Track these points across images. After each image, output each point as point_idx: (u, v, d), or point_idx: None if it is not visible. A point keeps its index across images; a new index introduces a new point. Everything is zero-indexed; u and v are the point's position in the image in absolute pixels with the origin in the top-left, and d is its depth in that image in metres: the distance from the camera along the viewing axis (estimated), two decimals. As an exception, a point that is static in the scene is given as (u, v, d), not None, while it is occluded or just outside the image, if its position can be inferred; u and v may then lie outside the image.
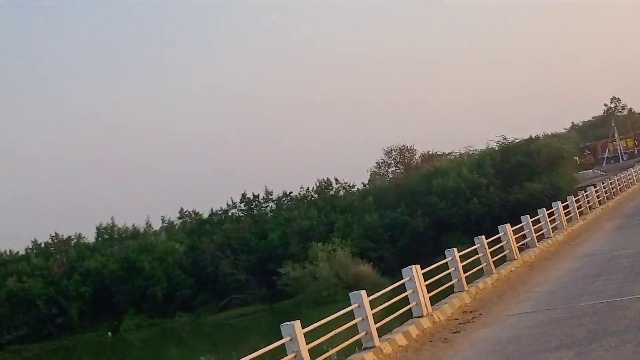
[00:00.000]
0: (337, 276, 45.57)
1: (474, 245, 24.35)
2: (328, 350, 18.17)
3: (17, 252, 65.40)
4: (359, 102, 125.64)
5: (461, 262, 21.59)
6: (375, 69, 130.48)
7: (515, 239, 27.05)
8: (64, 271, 59.72)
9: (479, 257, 23.88)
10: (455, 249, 21.89)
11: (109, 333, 54.79)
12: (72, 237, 66.35)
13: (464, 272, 21.60)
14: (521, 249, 27.66)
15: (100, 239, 66.39)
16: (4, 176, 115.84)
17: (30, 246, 66.06)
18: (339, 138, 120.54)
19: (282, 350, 13.79)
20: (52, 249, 65.12)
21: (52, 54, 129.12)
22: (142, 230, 66.96)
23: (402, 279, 18.68)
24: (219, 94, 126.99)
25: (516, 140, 59.07)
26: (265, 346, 14.63)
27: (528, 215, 29.60)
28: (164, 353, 44.62)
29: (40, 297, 56.35)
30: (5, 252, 65.34)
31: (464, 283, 21.16)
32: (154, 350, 46.84)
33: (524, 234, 28.93)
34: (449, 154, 70.88)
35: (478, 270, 23.80)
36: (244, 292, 51.64)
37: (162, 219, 68.26)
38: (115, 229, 66.89)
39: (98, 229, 66.69)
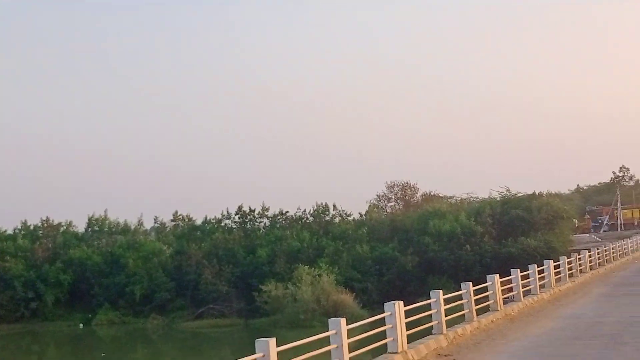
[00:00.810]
0: (318, 301, 45.25)
1: (460, 290, 24.15)
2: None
3: (5, 231, 65.06)
4: (371, 132, 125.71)
5: (444, 305, 21.39)
6: (391, 103, 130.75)
7: (502, 290, 26.83)
8: (47, 256, 59.37)
9: (462, 303, 23.67)
10: (440, 292, 21.68)
11: (81, 325, 54.34)
12: (62, 223, 66.04)
13: (445, 316, 21.40)
14: (506, 301, 27.41)
15: (89, 229, 66.07)
16: (3, 154, 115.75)
17: (19, 227, 65.79)
18: (345, 165, 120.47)
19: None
20: (40, 232, 64.73)
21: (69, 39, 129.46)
22: (132, 227, 66.69)
23: (383, 313, 18.49)
24: (233, 100, 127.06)
25: (519, 194, 59.06)
26: (235, 359, 14.41)
27: (518, 269, 29.39)
28: (131, 353, 44.16)
29: (19, 278, 55.97)
30: (-8, 229, 65.06)
31: (444, 326, 20.93)
32: (122, 349, 46.39)
33: (511, 287, 28.70)
34: (451, 197, 70.91)
35: (459, 316, 23.57)
36: (222, 303, 51.28)
37: (154, 219, 68.08)
38: (107, 222, 66.59)
39: (89, 219, 66.46)
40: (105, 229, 65.95)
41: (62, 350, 47.76)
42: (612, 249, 46.65)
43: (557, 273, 34.29)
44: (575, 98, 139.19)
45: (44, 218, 65.72)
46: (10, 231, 65.18)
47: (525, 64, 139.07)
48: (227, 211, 63.34)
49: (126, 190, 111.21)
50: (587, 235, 72.42)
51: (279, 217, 62.63)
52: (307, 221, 61.67)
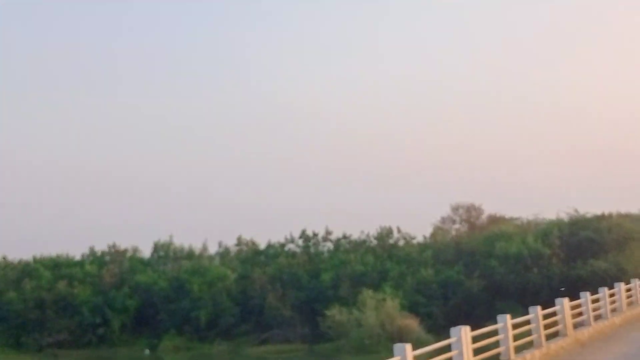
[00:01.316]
0: (382, 326, 44.80)
1: (528, 314, 23.60)
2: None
3: (73, 258, 66.25)
4: (433, 152, 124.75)
5: (512, 330, 20.89)
6: (452, 120, 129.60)
7: (571, 314, 26.15)
8: (114, 282, 60.12)
9: (530, 328, 23.10)
10: (508, 316, 21.21)
11: (147, 350, 54.73)
12: (129, 249, 66.97)
13: (513, 341, 20.89)
14: (575, 325, 26.69)
15: (155, 255, 66.81)
16: (72, 182, 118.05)
17: (87, 252, 66.92)
18: (408, 187, 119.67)
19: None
20: (107, 258, 65.66)
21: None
22: (197, 252, 67.25)
23: (449, 338, 18.11)
24: (294, 124, 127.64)
25: (587, 215, 57.92)
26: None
27: (588, 293, 28.65)
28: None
29: (86, 304, 56.74)
30: (62, 255, 66.26)
31: (512, 352, 20.43)
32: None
33: (581, 311, 27.96)
34: (517, 218, 69.81)
35: (528, 341, 23.00)
36: (287, 328, 51.17)
37: (219, 244, 68.51)
38: (172, 247, 67.26)
39: (155, 244, 67.22)
40: (171, 254, 66.60)
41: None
42: (687, 270, 45.22)
43: (628, 296, 33.35)
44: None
45: (111, 244, 66.79)
46: (78, 257, 66.38)
47: (595, 71, 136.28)
48: (291, 235, 63.50)
49: (191, 216, 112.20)
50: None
51: (342, 240, 62.47)
52: (371, 244, 61.38)
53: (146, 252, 67.32)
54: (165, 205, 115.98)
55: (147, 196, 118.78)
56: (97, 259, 65.25)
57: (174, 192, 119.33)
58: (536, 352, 21.71)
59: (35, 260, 65.23)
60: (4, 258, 66.44)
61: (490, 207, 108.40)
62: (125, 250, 66.57)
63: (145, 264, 64.14)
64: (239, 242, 66.95)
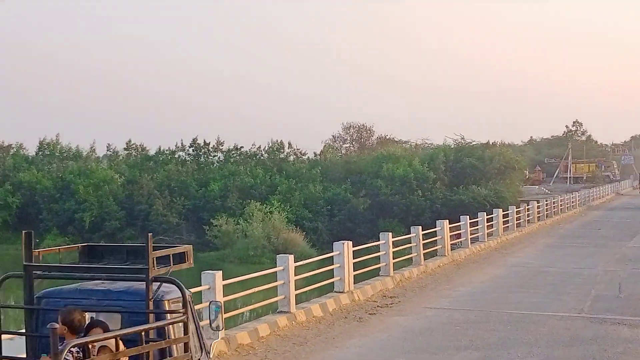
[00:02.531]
0: (268, 238, 45.40)
1: (410, 234, 24.47)
2: (242, 307, 18.12)
3: (-48, 151, 64.09)
4: (329, 71, 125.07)
5: (393, 248, 21.66)
6: (351, 42, 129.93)
7: (450, 236, 27.25)
8: (-4, 178, 58.62)
9: (410, 247, 24.00)
10: (389, 234, 21.98)
11: (28, 249, 53.87)
12: (13, 145, 65.16)
13: (393, 259, 21.68)
14: (453, 247, 27.86)
15: (41, 153, 65.22)
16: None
17: (-33, 147, 64.82)
18: (301, 103, 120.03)
19: (197, 297, 13.61)
20: (-11, 154, 63.86)
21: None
22: (84, 153, 66.04)
23: (332, 252, 18.66)
24: (195, 25, 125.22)
25: (473, 143, 59.58)
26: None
27: (467, 217, 29.81)
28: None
29: (-35, 198, 55.29)
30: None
31: (391, 268, 21.23)
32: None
33: (460, 233, 29.16)
34: (406, 142, 71.34)
35: (407, 259, 23.90)
36: (173, 235, 51.15)
37: (107, 147, 67.42)
38: (58, 146, 65.79)
39: (41, 143, 65.58)
40: (57, 154, 65.16)
41: (3, 273, 47.35)
42: (561, 201, 47.51)
43: (505, 222, 34.89)
44: (537, 50, 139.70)
45: (-6, 139, 64.82)
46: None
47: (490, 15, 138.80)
48: (182, 143, 63.03)
49: (79, 116, 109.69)
50: (537, 187, 73.60)
51: (233, 152, 62.44)
52: (262, 158, 61.61)
53: (31, 150, 65.71)
54: (53, 103, 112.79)
55: (36, 92, 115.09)
56: (-22, 154, 63.31)
57: (65, 90, 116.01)
58: (414, 270, 22.62)
59: None
60: None
61: (381, 129, 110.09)
62: (9, 146, 64.72)
63: (29, 162, 62.58)
64: (128, 146, 66.04)
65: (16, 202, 56.07)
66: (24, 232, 6.60)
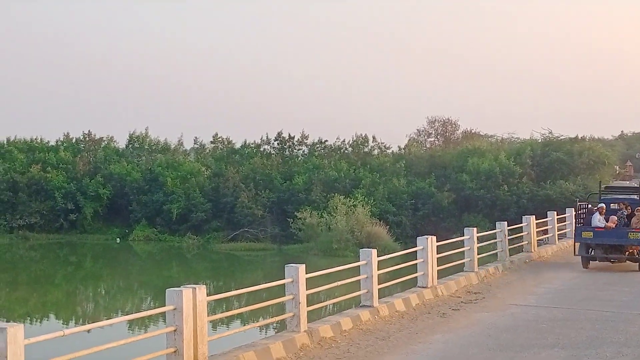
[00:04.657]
0: (352, 232, 45.46)
1: (495, 229, 24.14)
2: (325, 301, 18.19)
3: (48, 142, 65.98)
4: (413, 64, 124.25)
5: (477, 244, 21.41)
6: (434, 35, 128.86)
7: (537, 232, 26.77)
8: (88, 170, 60.10)
9: (496, 242, 23.68)
10: (474, 229, 21.71)
11: (118, 239, 55.31)
12: (104, 138, 66.70)
13: (478, 254, 21.43)
14: (540, 243, 27.39)
15: (130, 146, 66.64)
16: (50, 66, 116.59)
17: (62, 139, 66.61)
18: (386, 97, 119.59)
19: (281, 290, 13.73)
20: (82, 146, 65.42)
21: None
22: (172, 146, 67.23)
23: (416, 247, 18.55)
24: (283, 25, 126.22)
25: (561, 137, 58.33)
26: (265, 283, 14.61)
27: (555, 212, 29.27)
28: (166, 269, 44.96)
29: (59, 190, 56.83)
30: (36, 139, 65.99)
31: (475, 264, 20.99)
32: (157, 264, 47.22)
33: (547, 229, 28.64)
34: (491, 136, 70.32)
35: (492, 255, 23.61)
36: (257, 227, 51.73)
37: (194, 140, 68.46)
38: (147, 139, 67.09)
39: (130, 136, 66.99)
40: (146, 147, 66.50)
41: (98, 263, 48.82)
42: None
43: (594, 218, 34.01)
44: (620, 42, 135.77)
45: (86, 132, 66.50)
46: (52, 142, 66.18)
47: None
48: (267, 136, 63.60)
49: (168, 110, 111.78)
50: (628, 182, 71.58)
51: (317, 145, 62.65)
52: (346, 151, 61.67)
53: (121, 142, 67.28)
54: (143, 97, 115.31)
55: (125, 87, 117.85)
56: (71, 146, 65.10)
57: (153, 85, 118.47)
58: (499, 266, 22.33)
59: (8, 142, 64.98)
60: (-24, 138, 66.09)
61: (466, 123, 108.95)
62: (101, 139, 66.37)
63: (119, 154, 64.11)
64: (215, 139, 66.98)
65: (107, 194, 57.56)
66: None
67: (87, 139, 66.06)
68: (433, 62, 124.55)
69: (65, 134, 67.10)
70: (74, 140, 66.30)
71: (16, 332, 8.31)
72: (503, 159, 53.88)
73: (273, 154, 62.22)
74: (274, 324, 20.19)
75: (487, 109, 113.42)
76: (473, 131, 72.29)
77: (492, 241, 23.73)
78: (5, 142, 64.92)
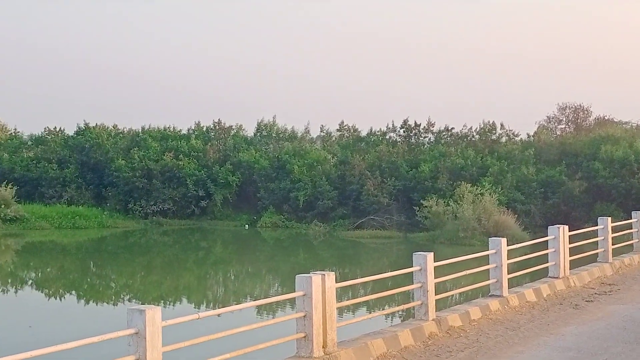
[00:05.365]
0: (479, 220, 44.78)
1: (630, 219, 23.33)
2: (452, 290, 18.02)
3: (180, 131, 68.02)
4: (543, 50, 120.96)
5: (612, 234, 20.75)
6: (574, 17, 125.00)
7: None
8: (218, 157, 61.58)
9: (631, 233, 22.89)
10: (609, 218, 21.08)
11: (246, 226, 56.50)
12: (233, 127, 68.08)
13: (612, 244, 20.78)
14: (679, 234, 26.22)
15: (258, 134, 67.81)
16: (178, 60, 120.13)
17: (193, 127, 68.54)
18: (515, 83, 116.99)
19: (408, 278, 13.72)
20: (212, 134, 66.98)
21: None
22: (299, 134, 68.00)
23: (546, 236, 18.15)
24: (406, 5, 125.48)
25: None
26: (391, 270, 14.64)
27: (695, 202, 27.98)
28: (293, 255, 45.61)
29: (191, 177, 58.51)
30: (169, 128, 68.15)
31: (610, 255, 20.37)
32: (285, 251, 47.95)
33: (686, 219, 27.39)
34: (626, 122, 67.72)
35: (627, 246, 22.82)
36: (383, 215, 51.68)
37: (320, 128, 68.94)
38: (275, 127, 68.09)
39: (259, 124, 68.15)
40: (273, 135, 67.55)
41: (228, 248, 50.05)
42: None
43: None
44: None
45: (216, 120, 68.08)
46: (184, 131, 68.18)
47: None
48: (393, 124, 63.35)
49: (295, 98, 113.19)
50: None
51: (444, 133, 61.98)
52: (473, 139, 60.72)
53: (249, 131, 68.59)
54: (270, 86, 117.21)
55: (253, 76, 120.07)
56: (202, 134, 66.82)
57: (279, 74, 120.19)
58: (635, 257, 21.57)
59: (143, 130, 67.34)
60: (114, 126, 68.79)
61: (599, 109, 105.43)
62: (230, 128, 67.82)
63: (248, 142, 65.36)
64: (341, 127, 67.32)
65: (235, 181, 58.87)
66: None
67: (217, 127, 67.62)
68: (565, 47, 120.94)
69: (197, 122, 69.00)
70: (204, 129, 68.00)
71: (154, 314, 8.65)
72: (639, 146, 51.87)
73: (399, 141, 62.00)
74: (400, 312, 20.20)
75: (621, 95, 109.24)
76: (606, 117, 69.88)
77: (627, 231, 22.95)
78: (140, 130, 67.34)
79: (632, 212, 24.10)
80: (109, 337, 8.49)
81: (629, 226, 23.10)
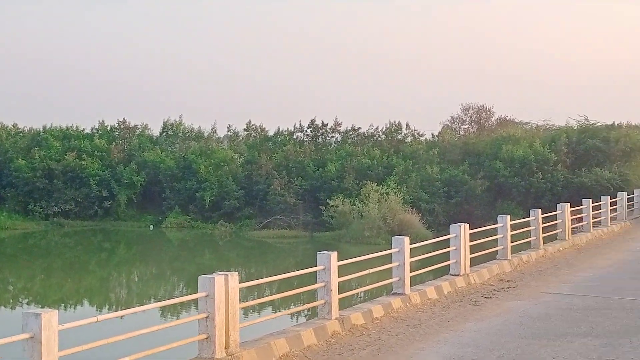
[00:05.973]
0: (384, 219, 45.34)
1: (528, 217, 23.98)
2: (357, 288, 18.17)
3: (83, 130, 66.48)
4: (447, 50, 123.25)
5: (511, 231, 21.27)
6: (470, 20, 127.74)
7: (571, 220, 26.55)
8: (122, 157, 60.52)
9: (529, 230, 23.52)
10: (508, 217, 21.61)
11: (151, 226, 55.71)
12: (139, 126, 66.98)
13: (511, 242, 21.30)
14: (574, 231, 27.15)
15: (164, 134, 66.90)
16: (83, 54, 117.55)
17: (97, 126, 67.05)
18: (419, 84, 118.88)
19: (312, 277, 13.76)
20: (117, 133, 65.80)
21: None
22: (206, 134, 67.39)
23: (448, 235, 18.48)
24: (317, 9, 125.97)
25: (597, 124, 57.59)
26: (296, 270, 14.65)
27: (590, 200, 28.99)
28: (198, 255, 45.23)
29: (94, 177, 57.29)
30: (71, 127, 66.46)
31: (509, 252, 20.87)
32: (189, 251, 47.53)
33: (582, 217, 28.38)
34: (526, 123, 69.55)
35: (525, 243, 23.44)
36: (289, 215, 51.77)
37: (228, 128, 68.49)
38: (181, 127, 67.27)
39: (165, 123, 67.19)
40: (180, 134, 66.76)
41: (132, 249, 49.27)
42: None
43: (630, 206, 33.78)
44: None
45: (121, 119, 66.85)
46: (87, 130, 66.68)
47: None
48: (300, 124, 63.50)
49: (201, 97, 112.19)
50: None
51: (350, 133, 62.49)
52: (379, 139, 61.42)
53: (155, 130, 67.60)
54: (176, 84, 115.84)
55: (158, 75, 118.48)
56: (106, 134, 65.51)
57: (186, 71, 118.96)
58: (533, 254, 22.17)
59: (45, 130, 65.52)
60: (14, 125, 66.87)
61: (501, 110, 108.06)
62: (135, 127, 66.71)
63: (153, 142, 64.46)
64: (248, 127, 67.07)
65: (140, 181, 57.95)
66: None
67: (122, 126, 66.45)
68: (467, 48, 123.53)
69: (101, 122, 67.55)
70: (108, 128, 66.68)
71: (50, 317, 8.41)
72: (538, 146, 53.41)
73: (306, 141, 62.20)
74: (305, 312, 20.27)
75: (522, 96, 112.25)
76: (508, 118, 71.67)
77: (525, 229, 23.58)
78: (41, 130, 65.55)
79: (531, 210, 24.79)
80: (2, 343, 8.22)
81: (528, 224, 23.74)
